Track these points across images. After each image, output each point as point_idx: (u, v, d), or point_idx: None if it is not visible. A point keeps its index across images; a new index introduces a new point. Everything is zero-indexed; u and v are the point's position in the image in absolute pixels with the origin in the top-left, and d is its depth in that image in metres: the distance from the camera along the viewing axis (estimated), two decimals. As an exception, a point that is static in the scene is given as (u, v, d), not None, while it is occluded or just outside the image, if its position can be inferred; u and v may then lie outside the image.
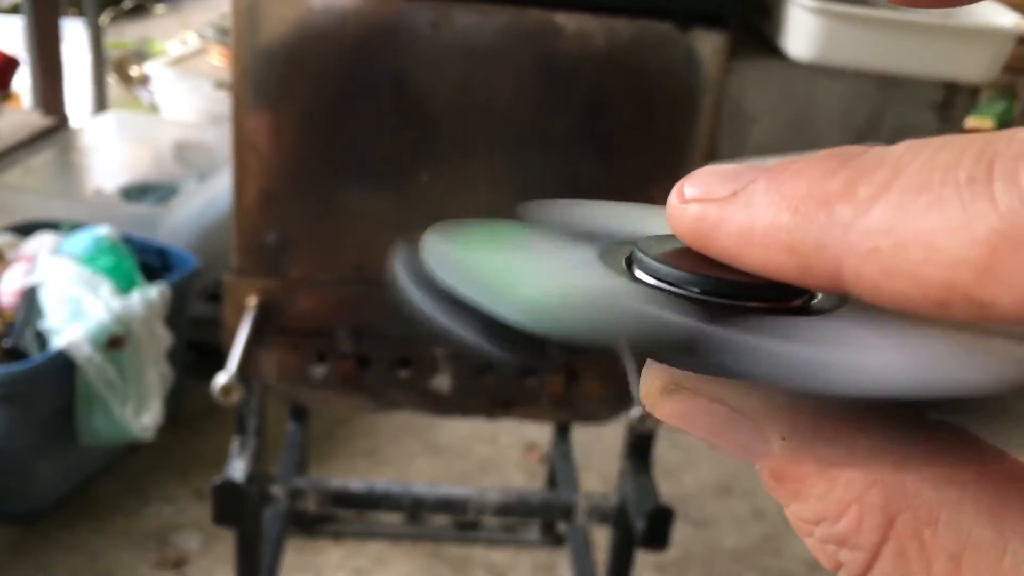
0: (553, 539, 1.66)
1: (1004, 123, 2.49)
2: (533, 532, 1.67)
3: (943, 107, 1.07)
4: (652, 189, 1.02)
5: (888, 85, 1.05)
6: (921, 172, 0.14)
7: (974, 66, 1.04)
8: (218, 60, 2.56)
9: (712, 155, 1.02)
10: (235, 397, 0.92)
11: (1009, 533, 0.14)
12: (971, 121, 1.90)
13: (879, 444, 0.16)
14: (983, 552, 0.14)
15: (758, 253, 0.16)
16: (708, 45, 0.99)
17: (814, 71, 1.04)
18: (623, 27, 0.98)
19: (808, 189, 0.15)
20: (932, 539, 0.15)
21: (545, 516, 1.42)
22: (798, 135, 1.05)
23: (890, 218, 0.14)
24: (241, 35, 0.97)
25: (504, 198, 1.03)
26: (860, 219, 0.15)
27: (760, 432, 0.17)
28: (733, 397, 0.18)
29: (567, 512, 1.17)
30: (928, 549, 0.15)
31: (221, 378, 0.92)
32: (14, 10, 2.69)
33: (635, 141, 1.03)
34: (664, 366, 0.18)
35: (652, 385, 0.19)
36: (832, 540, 0.16)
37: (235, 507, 1.02)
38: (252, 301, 1.03)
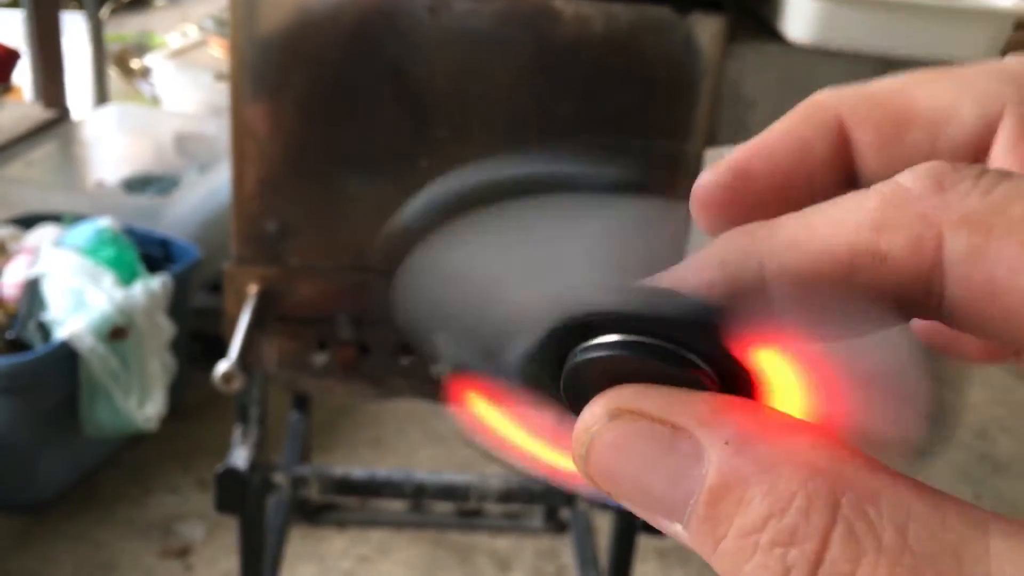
0: (556, 526, 1.66)
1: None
2: (536, 519, 1.67)
3: (942, 89, 1.07)
4: (651, 174, 1.02)
5: (888, 67, 1.04)
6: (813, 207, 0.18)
7: (973, 48, 1.03)
8: (218, 52, 2.56)
9: (711, 139, 1.01)
10: (236, 384, 0.92)
11: (941, 502, 0.16)
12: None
13: (815, 440, 0.17)
14: (923, 521, 0.15)
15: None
16: (706, 29, 0.98)
17: (813, 54, 1.03)
18: (621, 11, 0.97)
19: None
20: (877, 515, 0.16)
21: (547, 502, 1.42)
22: (797, 119, 1.04)
23: (801, 221, 0.18)
24: (239, 23, 0.97)
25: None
26: (778, 231, 0.18)
27: (699, 450, 0.17)
28: (677, 412, 0.18)
29: (570, 497, 1.17)
30: (875, 525, 0.15)
31: (222, 365, 0.92)
32: (14, 3, 2.69)
33: (634, 126, 1.02)
34: (599, 400, 0.19)
35: (594, 413, 0.18)
36: (781, 538, 0.16)
37: (238, 495, 1.03)
38: (252, 289, 1.03)
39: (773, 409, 0.18)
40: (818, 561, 0.16)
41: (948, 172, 0.17)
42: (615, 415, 0.18)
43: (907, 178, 0.17)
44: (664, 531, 0.18)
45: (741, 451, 0.17)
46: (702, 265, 0.19)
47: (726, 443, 0.17)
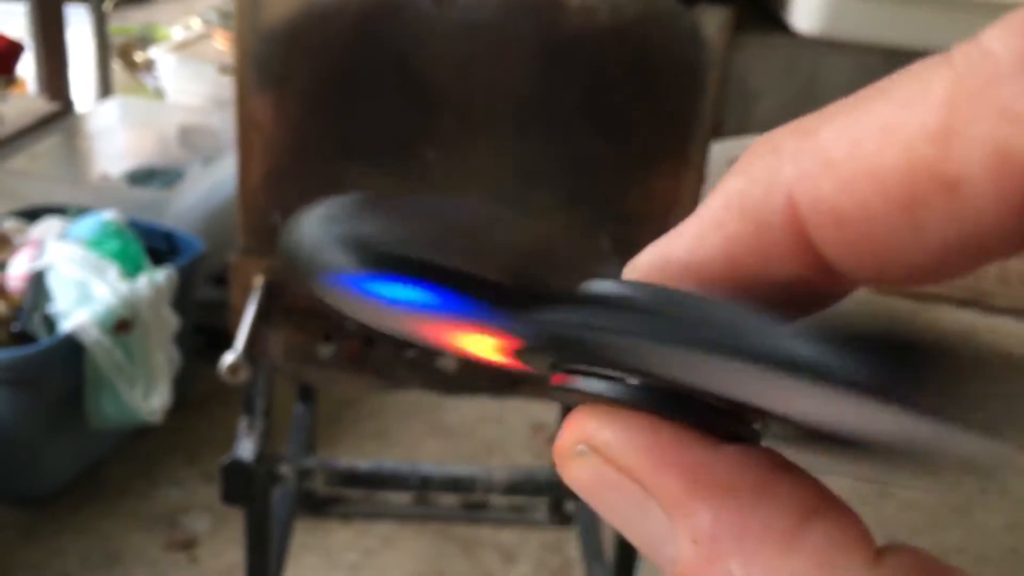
0: (561, 518, 1.66)
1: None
2: (541, 512, 1.67)
3: (950, 80, 1.06)
4: (656, 165, 1.02)
5: (895, 59, 1.04)
6: (872, 86, 0.13)
7: (981, 39, 1.03)
8: (222, 45, 2.56)
9: (717, 131, 1.01)
10: (242, 376, 0.92)
11: None
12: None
13: (803, 562, 0.13)
14: None
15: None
16: (712, 20, 0.98)
17: (820, 45, 1.03)
18: (627, 2, 0.97)
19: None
20: None
21: (553, 494, 1.42)
22: (804, 110, 1.04)
23: (840, 127, 0.13)
24: (243, 14, 0.97)
25: (509, 174, 1.03)
26: (809, 142, 0.13)
27: (671, 527, 0.14)
28: (650, 473, 0.14)
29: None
30: None
31: (228, 357, 0.92)
32: (17, -4, 2.68)
33: (639, 117, 1.02)
34: (581, 419, 0.15)
35: (565, 440, 0.16)
36: None
37: (243, 486, 1.03)
38: (258, 281, 1.03)
39: (772, 485, 0.14)
40: None
41: None
42: (585, 453, 0.15)
43: (995, 37, 0.11)
44: None
45: (709, 560, 0.14)
46: (713, 214, 0.14)
47: (694, 542, 0.14)
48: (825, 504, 0.14)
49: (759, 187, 0.14)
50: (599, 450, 0.15)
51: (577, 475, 0.15)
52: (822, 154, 0.13)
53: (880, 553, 0.13)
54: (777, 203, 0.13)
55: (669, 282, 0.15)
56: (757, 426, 0.15)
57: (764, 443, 0.15)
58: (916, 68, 0.12)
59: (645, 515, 0.14)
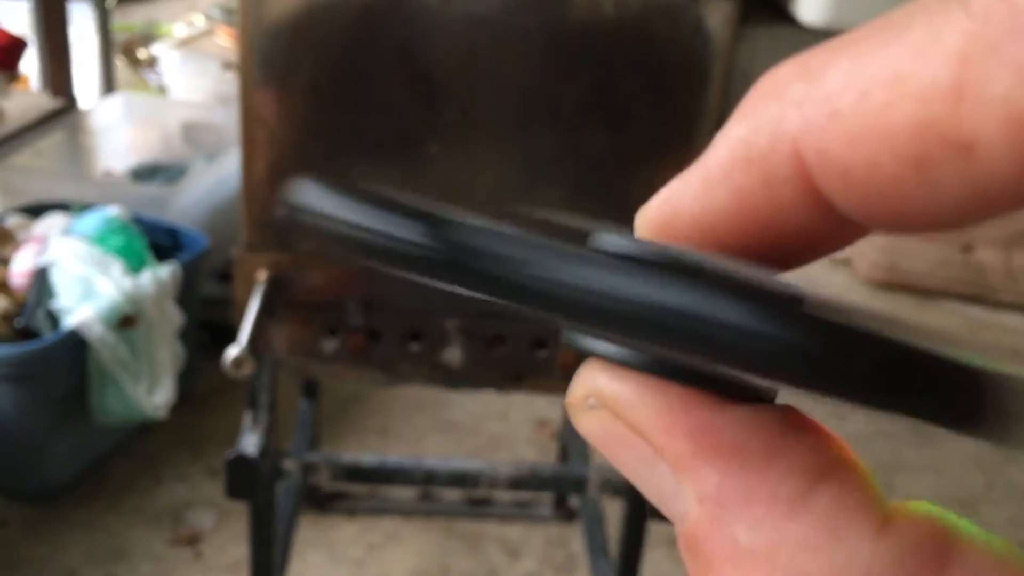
0: (565, 514, 1.66)
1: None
2: (545, 507, 1.67)
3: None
4: (661, 158, 1.02)
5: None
6: (883, 19, 0.12)
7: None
8: (225, 41, 2.56)
9: (722, 123, 1.01)
10: (246, 370, 0.92)
11: None
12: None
13: (810, 530, 0.13)
14: None
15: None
16: (717, 12, 0.98)
17: (826, 36, 1.03)
18: (632, -5, 0.97)
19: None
20: None
21: (557, 489, 1.42)
22: (809, 102, 1.03)
23: (848, 71, 0.12)
24: (247, 8, 0.97)
25: (513, 168, 1.03)
26: (814, 87, 0.12)
27: (678, 486, 0.14)
28: (657, 433, 0.14)
29: (579, 485, 1.17)
30: None
31: (233, 351, 0.92)
32: (21, -7, 2.68)
33: (644, 110, 1.02)
34: (593, 370, 0.15)
35: (576, 391, 0.15)
36: None
37: (248, 481, 1.03)
38: (262, 275, 1.03)
39: (781, 447, 0.13)
40: None
41: None
42: (595, 406, 0.15)
43: None
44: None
45: (715, 522, 0.13)
46: (719, 162, 0.14)
47: (701, 503, 0.14)
48: (835, 467, 0.13)
49: (763, 136, 0.13)
50: (608, 405, 0.15)
51: (588, 428, 0.15)
52: (828, 103, 0.12)
53: (889, 519, 0.13)
54: (783, 154, 0.13)
55: (680, 236, 0.15)
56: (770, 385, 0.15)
57: (782, 401, 0.15)
58: (931, 4, 0.11)
59: (653, 470, 0.14)
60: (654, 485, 0.14)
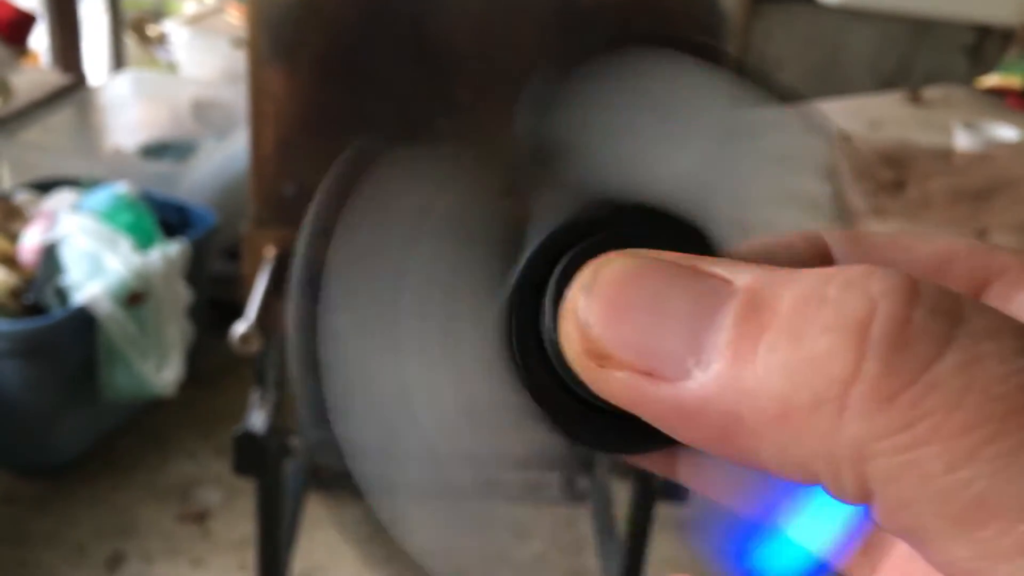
0: (574, 495, 1.65)
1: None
2: (554, 488, 1.66)
3: (974, 50, 1.04)
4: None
5: (919, 28, 1.02)
6: None
7: (1006, 8, 1.00)
8: (235, 18, 2.54)
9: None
10: (254, 346, 0.92)
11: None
12: (997, 78, 1.88)
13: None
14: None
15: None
16: (733, -12, 0.96)
17: (842, 14, 1.01)
18: (646, -30, 0.95)
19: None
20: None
21: (566, 471, 1.42)
22: (826, 81, 1.02)
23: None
24: (256, -19, 0.96)
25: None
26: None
27: (724, 283, 0.15)
28: (699, 260, 0.16)
29: (588, 467, 1.16)
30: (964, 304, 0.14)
31: (240, 327, 0.91)
32: (31, -31, 2.67)
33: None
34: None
35: (601, 258, 0.17)
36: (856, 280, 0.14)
37: (255, 458, 1.02)
38: (270, 252, 1.02)
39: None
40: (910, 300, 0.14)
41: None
42: (628, 254, 0.17)
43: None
44: (661, 401, 0.15)
45: (776, 271, 0.15)
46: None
47: (758, 274, 0.15)
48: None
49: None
50: (643, 253, 0.17)
51: (623, 265, 0.17)
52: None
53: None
54: None
55: None
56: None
57: None
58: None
59: (694, 279, 0.16)
60: (695, 291, 0.16)
